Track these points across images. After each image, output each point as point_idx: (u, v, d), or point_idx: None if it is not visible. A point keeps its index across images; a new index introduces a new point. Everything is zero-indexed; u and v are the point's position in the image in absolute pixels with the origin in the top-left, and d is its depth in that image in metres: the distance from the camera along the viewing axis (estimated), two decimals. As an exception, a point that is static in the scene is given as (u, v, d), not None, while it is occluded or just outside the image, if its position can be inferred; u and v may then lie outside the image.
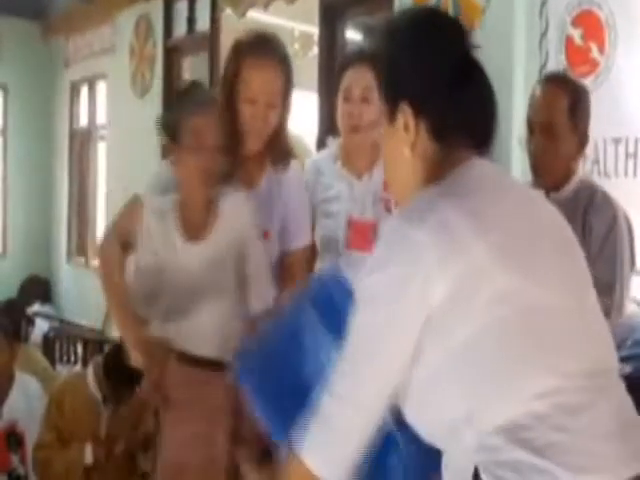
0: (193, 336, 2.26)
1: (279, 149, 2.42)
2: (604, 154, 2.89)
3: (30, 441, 3.41)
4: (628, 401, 1.33)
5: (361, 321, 1.32)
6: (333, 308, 1.50)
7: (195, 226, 2.27)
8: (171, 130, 2.25)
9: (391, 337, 1.29)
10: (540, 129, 2.31)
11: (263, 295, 2.26)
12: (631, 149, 2.79)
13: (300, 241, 2.51)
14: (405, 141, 1.40)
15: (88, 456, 3.26)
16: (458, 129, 1.38)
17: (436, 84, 1.37)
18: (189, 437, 2.19)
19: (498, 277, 1.25)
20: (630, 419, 1.31)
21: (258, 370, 1.58)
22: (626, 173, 2.82)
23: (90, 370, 3.49)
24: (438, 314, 1.25)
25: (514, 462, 1.21)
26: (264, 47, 2.40)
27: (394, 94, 1.43)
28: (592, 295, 1.38)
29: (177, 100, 2.30)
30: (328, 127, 4.35)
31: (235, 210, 2.27)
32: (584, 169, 2.92)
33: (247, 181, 2.41)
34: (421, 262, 1.25)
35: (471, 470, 1.24)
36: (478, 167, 1.39)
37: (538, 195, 1.57)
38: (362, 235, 2.57)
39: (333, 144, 2.76)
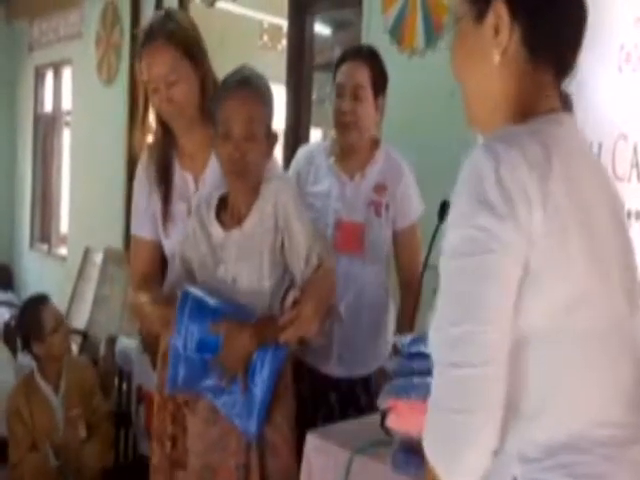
0: None
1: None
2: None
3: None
4: None
5: (456, 280, 1.16)
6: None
7: (236, 216, 2.18)
8: (212, 117, 2.14)
9: (496, 290, 1.13)
10: None
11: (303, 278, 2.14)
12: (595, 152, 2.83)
13: None
14: (495, 45, 1.24)
15: (52, 459, 3.28)
16: (550, 43, 1.24)
17: None
18: (214, 440, 2.16)
19: (581, 277, 1.15)
20: None
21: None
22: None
23: (34, 366, 3.52)
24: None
25: None
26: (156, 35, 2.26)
27: None
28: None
29: (220, 84, 2.17)
30: (295, 120, 4.36)
31: (274, 193, 2.13)
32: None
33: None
34: (516, 213, 1.11)
35: None
36: (567, 125, 1.26)
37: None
38: (351, 237, 2.57)
39: (328, 137, 2.77)
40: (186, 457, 2.25)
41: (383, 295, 2.67)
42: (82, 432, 3.39)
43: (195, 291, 2.16)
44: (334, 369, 2.60)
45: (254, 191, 2.15)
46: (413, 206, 2.62)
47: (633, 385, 1.21)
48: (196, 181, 2.38)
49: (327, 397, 2.62)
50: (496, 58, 1.23)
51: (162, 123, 2.36)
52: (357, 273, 2.56)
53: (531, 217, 1.11)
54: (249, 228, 2.14)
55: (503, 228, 1.11)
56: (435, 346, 1.17)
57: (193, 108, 2.29)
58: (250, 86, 2.10)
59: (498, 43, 1.23)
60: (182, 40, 2.26)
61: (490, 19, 1.23)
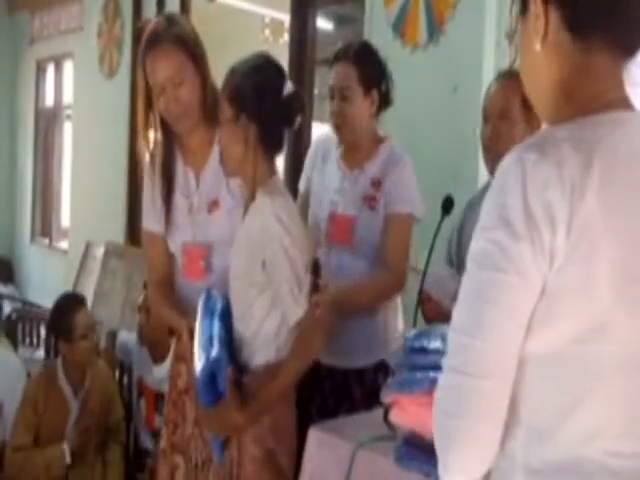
0: None
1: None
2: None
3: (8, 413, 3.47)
4: None
5: (468, 287, 1.15)
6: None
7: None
8: None
9: (507, 303, 1.11)
10: (495, 116, 2.37)
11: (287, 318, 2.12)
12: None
13: None
14: (534, 33, 1.19)
15: (67, 456, 3.27)
16: (600, 21, 1.16)
17: None
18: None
19: (603, 308, 1.09)
20: None
21: None
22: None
23: (59, 362, 3.49)
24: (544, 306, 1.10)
25: None
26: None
27: None
28: None
29: None
30: (297, 115, 4.36)
31: (255, 213, 2.12)
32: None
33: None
34: (537, 234, 1.08)
35: None
36: (629, 125, 1.16)
37: None
38: (342, 229, 2.60)
39: None
40: (184, 443, 2.32)
41: None
42: (67, 458, 3.35)
43: (215, 295, 2.23)
44: (324, 357, 2.62)
45: (252, 192, 2.17)
46: (405, 198, 2.58)
47: None
48: (197, 177, 2.45)
49: (321, 386, 2.64)
50: (536, 46, 1.19)
51: (164, 126, 2.42)
52: (348, 265, 2.59)
53: (554, 239, 1.07)
54: (244, 229, 2.16)
55: (517, 248, 1.08)
56: (448, 342, 1.18)
57: (197, 109, 2.35)
58: (228, 75, 2.16)
59: (536, 30, 1.18)
60: (186, 43, 2.34)
61: (531, 8, 1.19)
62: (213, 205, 2.41)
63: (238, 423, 2.05)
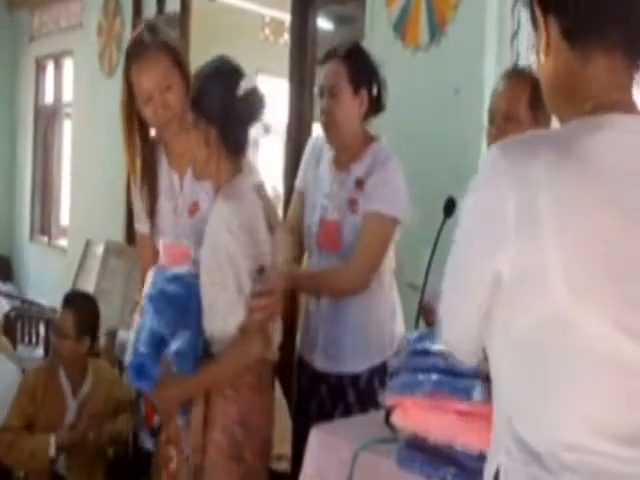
0: None
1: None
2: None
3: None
4: None
5: (455, 242, 1.25)
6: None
7: None
8: None
9: (473, 261, 1.21)
10: (501, 117, 2.37)
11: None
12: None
13: None
14: (541, 44, 1.25)
15: (52, 448, 3.25)
16: (595, 28, 1.19)
17: None
18: None
19: (558, 301, 1.10)
20: None
21: None
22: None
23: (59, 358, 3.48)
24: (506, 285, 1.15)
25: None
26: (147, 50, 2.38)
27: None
28: None
29: None
30: (298, 115, 4.36)
31: (212, 217, 2.16)
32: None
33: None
34: (488, 225, 1.16)
35: (493, 469, 1.20)
36: (618, 129, 1.16)
37: None
38: (329, 235, 2.58)
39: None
40: (177, 435, 2.32)
41: (370, 294, 2.59)
42: (52, 450, 3.32)
43: (158, 279, 2.26)
44: (320, 363, 2.64)
45: (217, 189, 2.23)
46: (383, 198, 2.51)
47: (621, 416, 1.13)
48: (181, 180, 2.49)
49: (318, 389, 2.64)
50: (541, 57, 1.26)
51: (143, 134, 2.46)
52: None
53: (504, 232, 1.12)
54: (207, 229, 2.18)
55: (471, 237, 1.20)
56: None
57: (183, 114, 2.35)
58: (192, 80, 2.25)
59: (539, 42, 1.25)
60: (172, 49, 2.39)
61: (539, 24, 1.24)
62: (194, 207, 2.45)
63: (167, 394, 2.21)
